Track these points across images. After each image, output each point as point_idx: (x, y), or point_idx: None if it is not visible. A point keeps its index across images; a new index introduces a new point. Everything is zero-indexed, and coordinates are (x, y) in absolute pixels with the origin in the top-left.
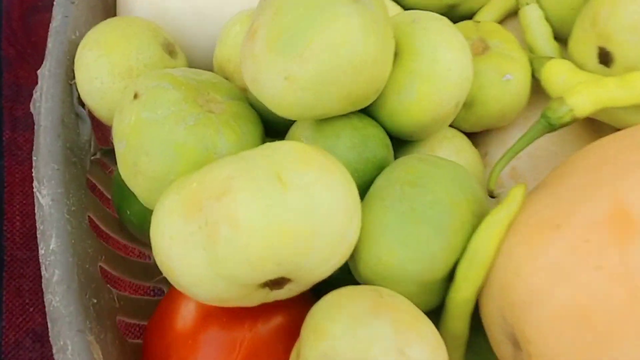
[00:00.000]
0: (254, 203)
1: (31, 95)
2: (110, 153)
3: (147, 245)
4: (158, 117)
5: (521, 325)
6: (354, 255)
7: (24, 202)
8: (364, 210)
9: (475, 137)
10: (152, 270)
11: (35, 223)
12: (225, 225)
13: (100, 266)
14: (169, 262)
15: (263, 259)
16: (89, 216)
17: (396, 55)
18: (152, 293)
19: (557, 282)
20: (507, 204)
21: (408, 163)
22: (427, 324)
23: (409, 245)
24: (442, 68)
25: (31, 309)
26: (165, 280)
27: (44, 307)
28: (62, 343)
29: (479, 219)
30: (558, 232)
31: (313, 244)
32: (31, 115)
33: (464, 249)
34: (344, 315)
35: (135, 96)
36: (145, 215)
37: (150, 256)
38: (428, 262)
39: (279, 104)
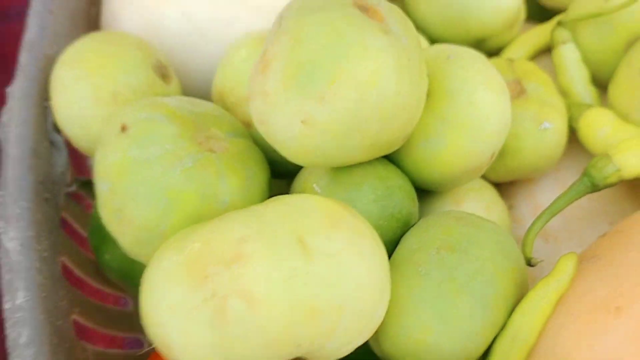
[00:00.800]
0: (274, 273)
1: None
2: (88, 184)
3: (125, 290)
4: (150, 157)
5: None
6: (377, 330)
7: None
8: (392, 277)
9: (500, 187)
10: (128, 319)
11: None
12: (237, 299)
13: (74, 320)
14: (166, 336)
15: (281, 340)
16: (62, 261)
17: (427, 95)
18: (126, 345)
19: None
20: (557, 277)
21: (444, 223)
22: None
23: (448, 321)
24: (480, 113)
25: None
26: (143, 331)
27: None
28: None
29: (521, 290)
30: (618, 317)
31: (340, 323)
32: None
33: (502, 326)
34: None
35: (123, 129)
36: (128, 260)
37: (128, 303)
38: (468, 340)
39: (294, 150)
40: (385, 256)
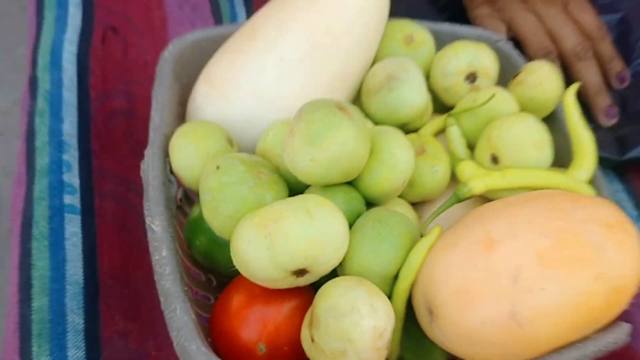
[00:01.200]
0: (295, 224)
1: (112, 177)
2: (179, 208)
3: (203, 267)
4: (232, 181)
5: (434, 299)
6: (342, 262)
7: (110, 248)
8: (351, 236)
9: (414, 205)
10: (203, 284)
11: (120, 260)
12: (280, 236)
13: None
14: (245, 256)
15: (298, 255)
16: (175, 244)
17: (371, 151)
18: (202, 298)
19: (453, 274)
20: (430, 236)
21: (377, 211)
22: (384, 295)
23: (377, 255)
24: (397, 160)
25: (116, 317)
26: (212, 292)
27: (128, 316)
28: (173, 307)
29: (414, 242)
30: (454, 248)
31: (324, 250)
32: (112, 190)
33: (405, 259)
34: (341, 286)
35: (217, 168)
36: (208, 246)
37: (203, 275)
38: (386, 265)
39: (306, 175)
40: (346, 223)
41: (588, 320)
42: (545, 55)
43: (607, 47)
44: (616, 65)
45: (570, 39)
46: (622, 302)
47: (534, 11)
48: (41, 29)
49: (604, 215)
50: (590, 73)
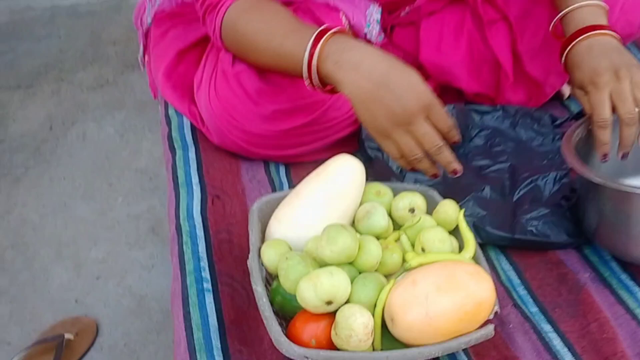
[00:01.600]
0: (325, 278)
1: (225, 274)
2: (267, 282)
3: (279, 314)
4: (294, 264)
5: (392, 312)
6: (348, 299)
7: (228, 309)
8: (352, 286)
9: (385, 276)
10: (279, 323)
11: (234, 316)
12: (319, 284)
13: None
14: (303, 296)
15: (327, 293)
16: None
17: (359, 248)
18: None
19: (398, 298)
20: (389, 284)
21: (364, 274)
22: (367, 310)
23: (365, 294)
24: (371, 252)
25: (236, 342)
26: (284, 327)
27: (241, 342)
28: (270, 323)
29: (382, 288)
30: (398, 287)
31: (339, 291)
32: (226, 280)
33: (378, 296)
34: (347, 306)
35: (286, 258)
36: (282, 301)
37: (279, 319)
38: (369, 299)
39: (328, 259)
40: (349, 280)
41: (467, 319)
42: (408, 162)
43: (453, 134)
44: (453, 136)
45: (427, 145)
46: (484, 311)
47: (407, 128)
48: (179, 199)
49: (470, 270)
50: (443, 157)
